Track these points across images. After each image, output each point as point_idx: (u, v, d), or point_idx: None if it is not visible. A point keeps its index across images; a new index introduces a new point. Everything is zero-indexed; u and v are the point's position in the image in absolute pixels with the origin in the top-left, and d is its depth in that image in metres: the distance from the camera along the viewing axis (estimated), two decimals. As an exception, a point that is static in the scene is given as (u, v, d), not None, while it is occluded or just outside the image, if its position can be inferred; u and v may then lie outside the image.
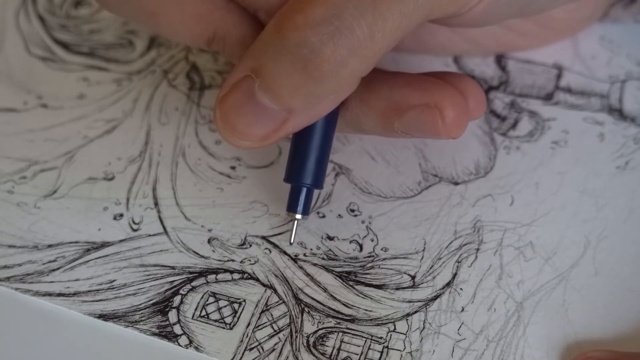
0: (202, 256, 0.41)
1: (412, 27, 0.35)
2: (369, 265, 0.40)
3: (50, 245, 0.41)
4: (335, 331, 0.39)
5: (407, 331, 0.38)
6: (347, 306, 0.39)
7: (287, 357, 0.38)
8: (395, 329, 0.39)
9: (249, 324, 0.39)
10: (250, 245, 0.41)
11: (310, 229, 0.41)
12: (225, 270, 0.40)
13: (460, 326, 0.39)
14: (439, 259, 0.40)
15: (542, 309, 0.39)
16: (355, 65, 0.35)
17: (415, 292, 0.40)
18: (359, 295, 0.39)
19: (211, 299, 0.39)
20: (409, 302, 0.39)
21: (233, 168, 0.43)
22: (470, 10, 0.36)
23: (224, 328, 0.39)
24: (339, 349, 0.38)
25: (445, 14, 0.36)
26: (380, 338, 0.38)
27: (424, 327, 0.39)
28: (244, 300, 0.39)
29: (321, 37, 0.34)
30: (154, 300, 0.39)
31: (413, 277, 0.40)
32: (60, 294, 0.39)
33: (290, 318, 0.39)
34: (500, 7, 0.37)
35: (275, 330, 0.39)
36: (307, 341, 0.38)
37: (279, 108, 0.36)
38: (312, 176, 0.38)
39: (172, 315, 0.39)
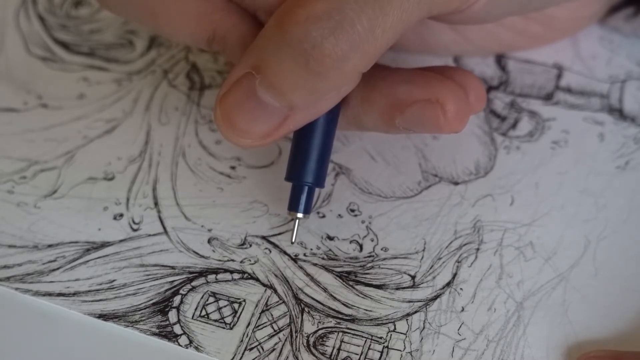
0: (202, 256, 0.41)
1: (412, 22, 0.35)
2: (369, 265, 0.40)
3: (50, 245, 0.41)
4: (335, 331, 0.39)
5: (407, 331, 0.38)
6: (347, 306, 0.39)
7: (287, 357, 0.38)
8: (395, 328, 0.39)
9: (249, 324, 0.39)
10: (250, 245, 0.41)
11: (310, 229, 0.41)
12: (225, 270, 0.40)
13: (460, 326, 0.39)
14: (439, 259, 0.40)
15: (542, 309, 0.39)
16: (356, 60, 0.35)
17: (415, 292, 0.40)
18: (359, 295, 0.39)
19: (211, 299, 0.39)
20: (409, 302, 0.39)
21: (233, 168, 0.43)
22: (471, 6, 0.36)
23: (224, 328, 0.39)
24: (339, 349, 0.38)
25: (446, 10, 0.36)
26: (380, 338, 0.38)
27: (424, 327, 0.39)
28: (244, 300, 0.39)
29: (322, 31, 0.34)
30: (154, 300, 0.39)
31: (413, 277, 0.40)
32: (60, 294, 0.39)
33: (290, 318, 0.39)
34: (501, 4, 0.38)
35: (275, 330, 0.39)
36: (307, 341, 0.38)
37: (280, 105, 0.36)
38: (313, 175, 0.38)
39: (172, 315, 0.39)
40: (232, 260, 0.40)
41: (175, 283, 0.40)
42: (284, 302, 0.39)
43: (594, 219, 0.41)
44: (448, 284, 0.40)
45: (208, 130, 0.44)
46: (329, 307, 0.39)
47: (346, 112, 0.38)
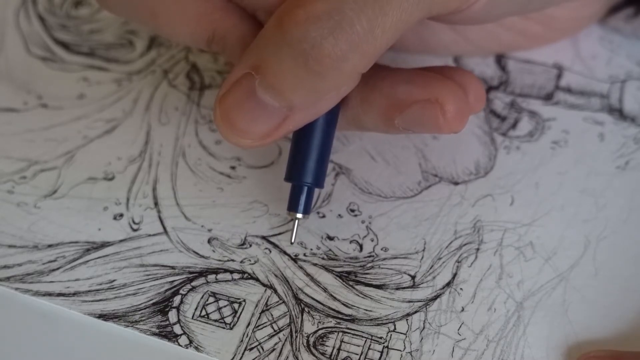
0: (202, 256, 0.41)
1: (412, 22, 0.35)
2: (369, 265, 0.40)
3: (50, 245, 0.41)
4: (335, 331, 0.39)
5: (407, 331, 0.38)
6: (347, 306, 0.39)
7: (287, 357, 0.38)
8: (395, 329, 0.39)
9: (249, 324, 0.39)
10: (250, 245, 0.41)
11: (310, 229, 0.41)
12: (225, 270, 0.40)
13: (460, 326, 0.39)
14: (439, 259, 0.40)
15: (542, 309, 0.39)
16: (355, 60, 0.35)
17: (415, 292, 0.40)
18: (359, 295, 0.39)
19: (211, 299, 0.39)
20: (409, 302, 0.39)
21: (233, 168, 0.43)
22: (471, 6, 0.36)
23: (224, 328, 0.39)
24: (339, 349, 0.38)
25: (446, 10, 0.36)
26: (380, 338, 0.38)
27: (424, 327, 0.39)
28: (244, 300, 0.39)
29: (322, 31, 0.34)
30: (154, 300, 0.39)
31: (413, 277, 0.40)
32: (60, 294, 0.39)
33: (290, 318, 0.39)
34: (501, 4, 0.38)
35: (275, 330, 0.39)
36: (307, 341, 0.38)
37: (279, 105, 0.36)
38: (313, 175, 0.38)
39: (172, 315, 0.39)
40: (232, 260, 0.40)
41: (175, 283, 0.40)
42: (284, 302, 0.39)
43: (594, 219, 0.41)
44: (448, 284, 0.40)
45: (208, 130, 0.44)
46: (329, 307, 0.39)
47: (346, 112, 0.38)
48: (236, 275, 0.40)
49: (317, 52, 0.34)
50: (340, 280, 0.40)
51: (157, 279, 0.40)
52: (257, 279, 0.40)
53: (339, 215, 0.42)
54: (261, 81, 0.36)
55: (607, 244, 0.41)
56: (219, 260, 0.40)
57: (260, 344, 0.38)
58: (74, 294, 0.39)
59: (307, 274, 0.40)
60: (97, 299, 0.39)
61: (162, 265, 0.40)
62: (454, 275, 0.40)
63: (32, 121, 0.45)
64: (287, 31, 0.34)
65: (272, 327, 0.39)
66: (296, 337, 0.38)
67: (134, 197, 0.42)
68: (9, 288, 0.40)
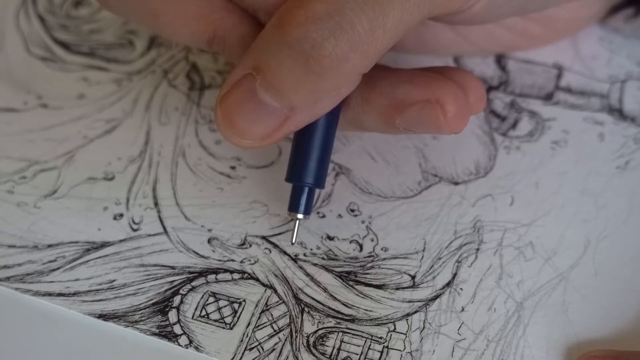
0: (202, 256, 0.41)
1: (413, 23, 0.35)
2: (369, 265, 0.40)
3: (50, 245, 0.41)
4: (335, 331, 0.39)
5: (407, 331, 0.38)
6: (347, 306, 0.39)
7: (287, 357, 0.38)
8: (395, 329, 0.39)
9: (249, 324, 0.39)
10: (250, 245, 0.41)
11: (310, 229, 0.41)
12: (225, 270, 0.40)
13: (460, 326, 0.39)
14: (439, 259, 0.40)
15: (542, 309, 0.39)
16: (356, 60, 0.35)
17: (415, 292, 0.40)
18: (359, 295, 0.40)
19: (211, 299, 0.39)
20: (409, 302, 0.39)
21: (233, 168, 0.43)
22: (471, 7, 0.36)
23: (224, 328, 0.39)
24: (339, 349, 0.38)
25: (446, 11, 0.36)
26: (380, 338, 0.38)
27: (424, 327, 0.39)
28: (244, 300, 0.39)
29: (322, 32, 0.34)
30: (154, 300, 0.39)
31: (413, 277, 0.40)
32: (60, 294, 0.39)
33: (290, 318, 0.39)
34: (502, 4, 0.38)
35: (275, 330, 0.39)
36: (307, 341, 0.38)
37: (280, 105, 0.36)
38: (313, 176, 0.38)
39: (172, 315, 0.39)
40: (232, 260, 0.40)
41: (175, 283, 0.40)
42: (284, 302, 0.39)
43: (594, 219, 0.41)
44: (448, 284, 0.40)
45: (208, 130, 0.44)
46: (329, 307, 0.39)
47: (346, 113, 0.38)
48: (236, 275, 0.40)
49: (318, 53, 0.34)
50: (340, 280, 0.40)
51: (157, 279, 0.40)
52: (257, 279, 0.40)
53: (339, 215, 0.42)
54: (262, 82, 0.36)
55: (607, 244, 0.41)
56: (219, 260, 0.40)
57: (260, 344, 0.38)
58: (74, 294, 0.39)
59: (307, 274, 0.40)
60: (97, 299, 0.39)
61: (162, 265, 0.40)
62: (454, 275, 0.40)
63: (32, 121, 0.45)
64: (287, 32, 0.34)
65: (272, 327, 0.39)
66: (296, 337, 0.38)
67: (134, 197, 0.42)
68: (9, 288, 0.40)
